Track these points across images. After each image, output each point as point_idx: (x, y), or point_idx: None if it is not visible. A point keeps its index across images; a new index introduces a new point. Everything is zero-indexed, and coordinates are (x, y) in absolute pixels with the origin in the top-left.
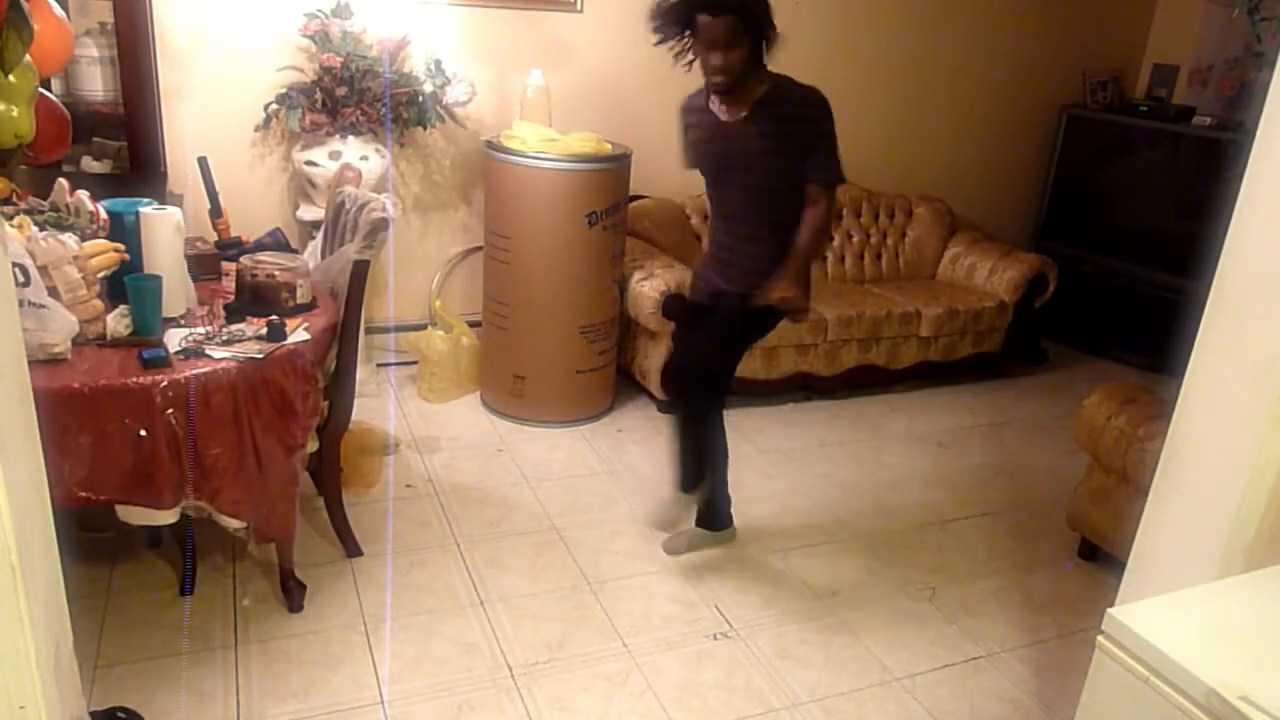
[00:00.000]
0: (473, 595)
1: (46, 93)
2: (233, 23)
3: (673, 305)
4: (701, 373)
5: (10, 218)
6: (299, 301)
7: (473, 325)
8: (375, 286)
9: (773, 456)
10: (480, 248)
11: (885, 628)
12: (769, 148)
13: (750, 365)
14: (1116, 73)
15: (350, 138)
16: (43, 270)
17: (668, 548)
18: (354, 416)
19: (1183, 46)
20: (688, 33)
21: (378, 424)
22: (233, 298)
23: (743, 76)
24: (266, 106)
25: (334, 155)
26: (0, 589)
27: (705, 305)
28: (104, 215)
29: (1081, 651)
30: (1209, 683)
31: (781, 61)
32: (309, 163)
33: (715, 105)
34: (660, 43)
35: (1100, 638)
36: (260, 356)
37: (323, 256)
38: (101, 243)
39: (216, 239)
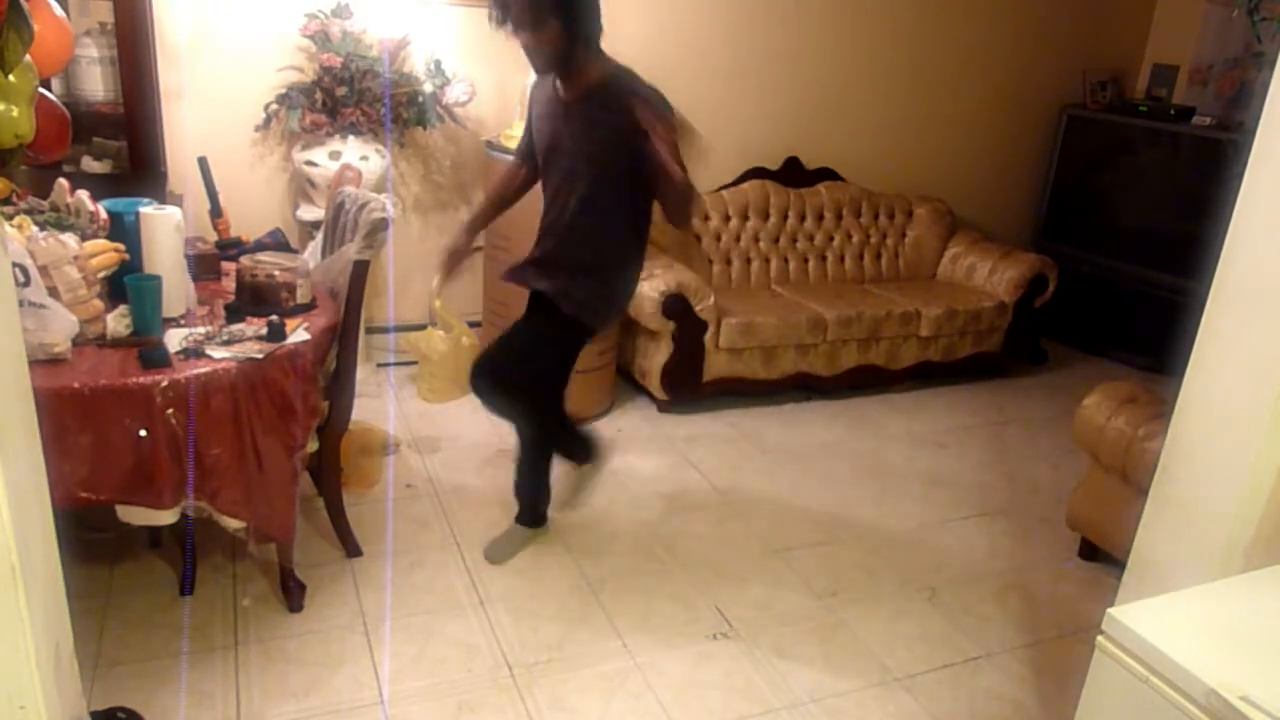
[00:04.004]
0: (473, 595)
1: (46, 93)
2: (233, 23)
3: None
4: (495, 373)
5: (10, 218)
6: (299, 301)
7: (473, 325)
8: (375, 286)
9: (773, 456)
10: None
11: (885, 628)
12: (588, 133)
13: (750, 365)
14: (1116, 73)
15: (350, 138)
16: (43, 270)
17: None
18: (354, 416)
19: (1183, 46)
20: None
21: (378, 424)
22: (233, 298)
23: (565, 59)
24: (266, 106)
25: (334, 155)
26: (0, 589)
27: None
28: (104, 215)
29: (1081, 651)
30: (1209, 683)
31: (781, 61)
32: (309, 163)
33: (558, 84)
34: (496, 26)
35: (1100, 638)
36: (260, 356)
37: (323, 256)
38: (101, 243)
39: (216, 239)
